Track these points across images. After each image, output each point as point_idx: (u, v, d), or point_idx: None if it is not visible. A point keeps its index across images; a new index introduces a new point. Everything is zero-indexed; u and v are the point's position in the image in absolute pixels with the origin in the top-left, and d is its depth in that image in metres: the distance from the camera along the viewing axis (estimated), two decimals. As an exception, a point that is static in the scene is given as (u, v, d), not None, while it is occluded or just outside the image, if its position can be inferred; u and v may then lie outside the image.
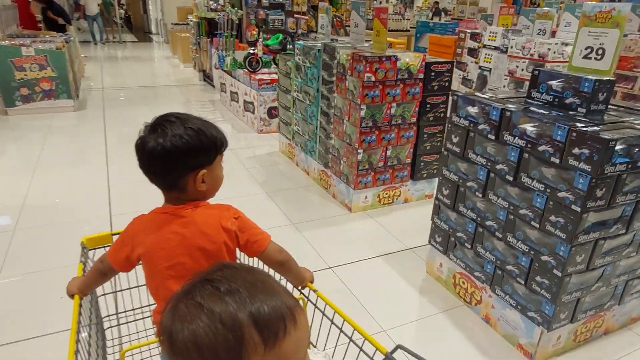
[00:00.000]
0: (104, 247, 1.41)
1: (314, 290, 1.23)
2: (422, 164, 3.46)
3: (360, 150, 3.15)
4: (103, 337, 1.51)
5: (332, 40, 3.83)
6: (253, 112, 5.27)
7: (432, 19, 11.35)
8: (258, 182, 3.88)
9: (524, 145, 1.90)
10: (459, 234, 2.35)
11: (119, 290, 1.51)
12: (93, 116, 5.81)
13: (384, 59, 2.93)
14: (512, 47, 3.99)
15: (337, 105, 3.33)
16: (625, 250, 1.95)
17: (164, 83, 8.25)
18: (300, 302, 0.94)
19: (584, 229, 1.75)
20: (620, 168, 1.68)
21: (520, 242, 1.99)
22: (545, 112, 1.90)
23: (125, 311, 1.59)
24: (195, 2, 7.88)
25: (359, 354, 1.06)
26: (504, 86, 4.13)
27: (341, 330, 1.14)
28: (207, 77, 8.05)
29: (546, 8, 4.11)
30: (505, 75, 4.11)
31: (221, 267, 0.68)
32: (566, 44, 3.75)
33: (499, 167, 2.03)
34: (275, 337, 0.60)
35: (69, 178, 3.85)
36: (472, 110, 2.16)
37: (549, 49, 3.68)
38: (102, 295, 1.51)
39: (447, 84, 3.28)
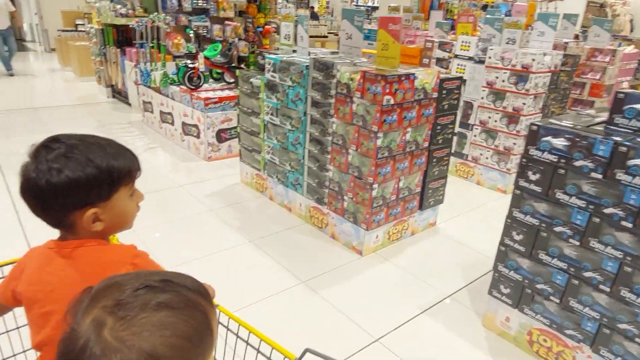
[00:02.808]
0: None
1: (216, 306, 1.16)
2: (430, 191, 3.09)
3: (376, 185, 2.67)
4: None
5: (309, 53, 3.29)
6: (198, 137, 4.49)
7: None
8: (234, 228, 3.18)
9: (650, 186, 1.59)
10: (539, 286, 2.00)
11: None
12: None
13: (403, 79, 2.49)
14: (489, 57, 3.82)
15: (338, 132, 2.81)
16: None
17: (61, 102, 6.85)
18: None
19: None
20: None
21: (642, 298, 1.68)
22: (662, 145, 1.61)
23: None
24: (96, 5, 6.70)
25: None
26: (482, 98, 3.94)
27: (247, 343, 1.12)
28: (118, 94, 6.91)
29: (514, 18, 4.03)
30: (482, 86, 3.93)
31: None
32: (545, 54, 3.66)
33: (608, 210, 1.71)
34: None
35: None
36: (558, 142, 1.81)
37: (533, 60, 3.55)
38: None
39: (456, 101, 2.95)
